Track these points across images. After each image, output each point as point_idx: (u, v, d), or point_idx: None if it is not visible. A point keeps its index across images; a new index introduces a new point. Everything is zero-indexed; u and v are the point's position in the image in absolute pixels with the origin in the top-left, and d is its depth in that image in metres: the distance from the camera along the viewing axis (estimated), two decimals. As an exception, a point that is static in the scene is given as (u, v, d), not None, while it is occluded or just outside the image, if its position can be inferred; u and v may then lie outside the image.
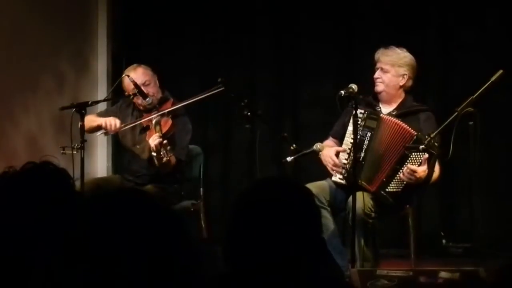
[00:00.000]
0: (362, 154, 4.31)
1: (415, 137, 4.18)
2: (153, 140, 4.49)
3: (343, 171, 4.34)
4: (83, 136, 4.35)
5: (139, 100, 4.76)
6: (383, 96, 4.51)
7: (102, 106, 5.42)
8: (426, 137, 4.04)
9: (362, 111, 4.32)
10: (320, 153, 4.35)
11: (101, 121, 4.68)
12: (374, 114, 4.39)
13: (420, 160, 4.16)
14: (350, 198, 4.06)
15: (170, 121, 4.69)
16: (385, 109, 4.50)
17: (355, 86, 4.09)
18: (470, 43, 5.68)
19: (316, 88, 5.86)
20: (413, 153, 4.16)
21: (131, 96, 4.74)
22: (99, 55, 6.04)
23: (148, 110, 4.78)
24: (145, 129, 4.79)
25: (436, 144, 4.06)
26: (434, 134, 4.02)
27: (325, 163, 4.39)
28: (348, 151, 4.34)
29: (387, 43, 4.61)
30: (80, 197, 1.79)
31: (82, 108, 4.38)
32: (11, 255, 1.58)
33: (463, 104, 3.98)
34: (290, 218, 1.77)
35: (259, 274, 1.74)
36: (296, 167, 5.46)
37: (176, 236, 1.42)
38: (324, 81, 5.82)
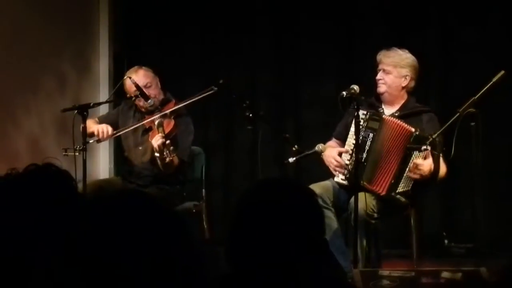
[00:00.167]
0: (364, 155, 4.31)
1: (414, 134, 4.18)
2: (156, 140, 4.49)
3: (346, 171, 4.34)
4: (85, 138, 4.35)
5: (140, 102, 4.76)
6: (386, 97, 4.50)
7: (103, 108, 5.43)
8: (428, 137, 4.04)
9: (365, 112, 4.32)
10: (322, 153, 4.35)
11: (95, 128, 4.69)
12: (376, 115, 4.38)
13: (424, 156, 4.17)
14: (352, 199, 4.06)
15: (172, 122, 4.70)
16: (388, 110, 4.49)
17: (357, 87, 4.09)
18: (471, 43, 5.67)
19: (317, 88, 5.86)
20: (415, 152, 4.16)
21: (133, 98, 4.73)
22: (101, 56, 6.04)
23: (150, 112, 4.78)
24: (147, 130, 4.79)
25: (438, 140, 4.05)
26: (436, 134, 4.02)
27: (327, 163, 4.39)
28: (351, 152, 4.34)
29: (387, 43, 4.61)
30: (82, 198, 1.79)
31: (84, 110, 4.36)
32: (12, 256, 1.58)
33: (465, 105, 3.98)
34: (292, 219, 1.77)
35: (262, 275, 1.74)
36: (298, 168, 5.46)
37: (178, 237, 1.42)
38: (325, 81, 5.82)
